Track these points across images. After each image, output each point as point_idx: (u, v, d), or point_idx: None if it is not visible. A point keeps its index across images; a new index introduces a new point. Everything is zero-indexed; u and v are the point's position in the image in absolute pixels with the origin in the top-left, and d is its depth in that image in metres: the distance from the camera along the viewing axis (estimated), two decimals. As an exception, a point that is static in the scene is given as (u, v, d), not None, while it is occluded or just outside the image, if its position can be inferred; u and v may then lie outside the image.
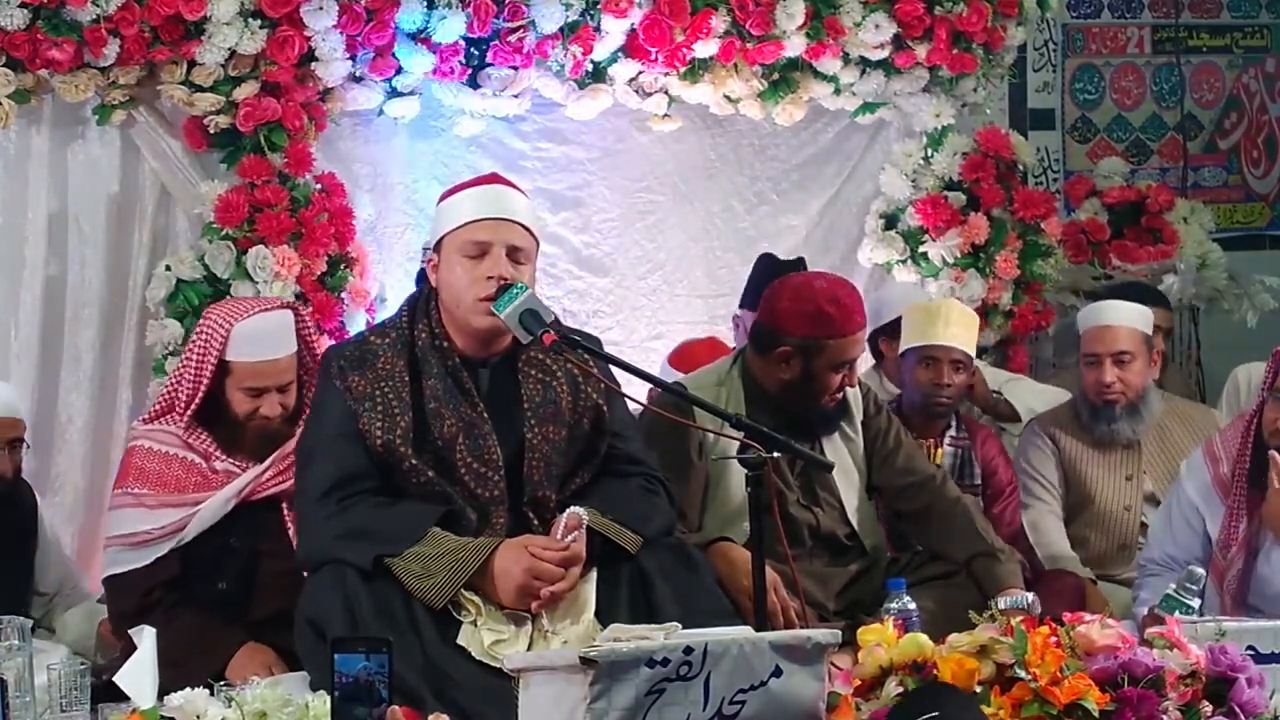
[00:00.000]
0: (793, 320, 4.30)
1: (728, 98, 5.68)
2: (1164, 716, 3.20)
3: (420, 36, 5.14)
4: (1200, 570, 3.91)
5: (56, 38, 4.74)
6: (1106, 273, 6.29)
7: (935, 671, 3.19)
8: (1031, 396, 5.57)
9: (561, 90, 5.43)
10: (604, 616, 3.59)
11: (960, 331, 5.08)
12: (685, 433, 4.19)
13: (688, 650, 3.04)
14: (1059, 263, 6.12)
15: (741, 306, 5.45)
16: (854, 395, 4.49)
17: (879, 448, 4.51)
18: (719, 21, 5.46)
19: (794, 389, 4.34)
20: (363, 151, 5.41)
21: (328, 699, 3.03)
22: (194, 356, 4.16)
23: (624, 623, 3.32)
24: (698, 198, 5.85)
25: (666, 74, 5.52)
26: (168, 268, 5.02)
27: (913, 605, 3.76)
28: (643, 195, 5.79)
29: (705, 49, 5.48)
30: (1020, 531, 5.06)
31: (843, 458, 4.45)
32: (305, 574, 3.75)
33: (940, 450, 5.08)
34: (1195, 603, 3.82)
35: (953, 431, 5.12)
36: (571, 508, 3.69)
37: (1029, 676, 3.17)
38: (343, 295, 5.16)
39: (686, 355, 5.24)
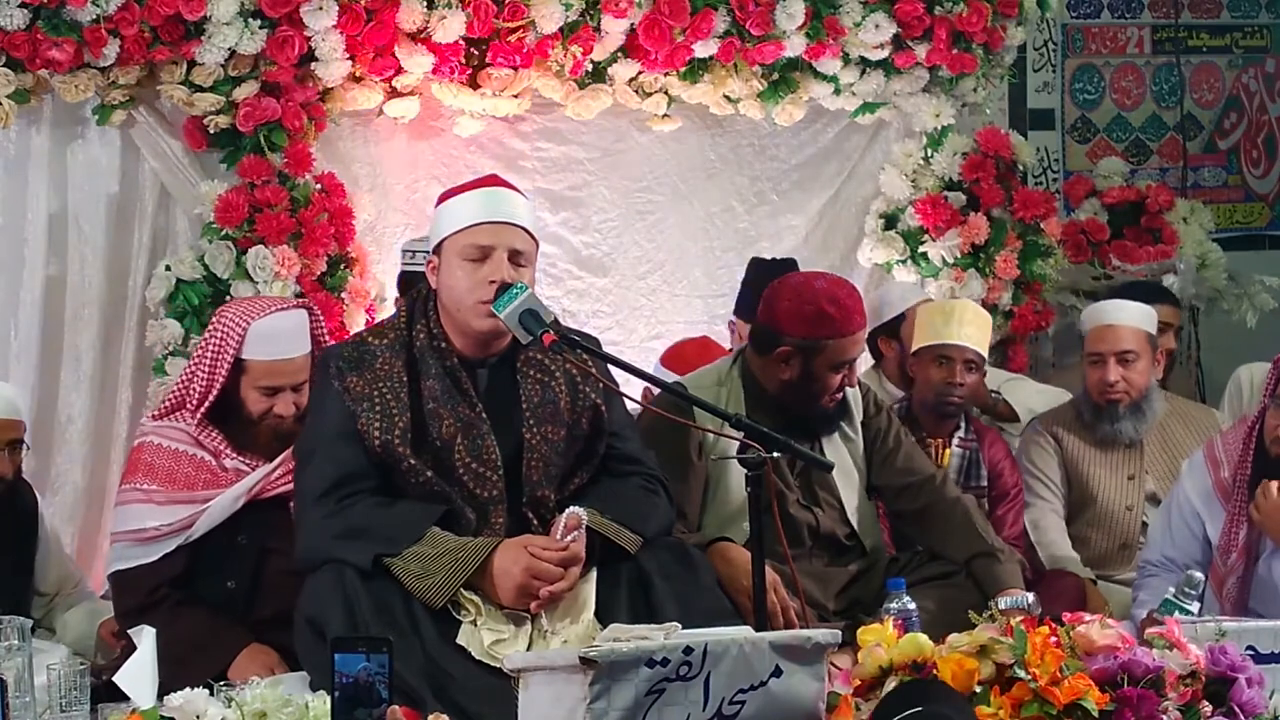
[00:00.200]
0: (793, 320, 4.30)
1: (728, 98, 5.68)
2: (1164, 716, 3.20)
3: (420, 37, 5.14)
4: (1199, 575, 3.90)
5: (56, 38, 4.75)
6: (1106, 273, 6.29)
7: (935, 671, 3.20)
8: (1031, 396, 5.58)
9: (561, 90, 5.43)
10: (603, 616, 3.59)
11: (974, 331, 5.08)
12: (685, 433, 4.18)
13: (688, 650, 3.04)
14: (1059, 263, 6.12)
15: (736, 313, 5.46)
16: (854, 395, 4.49)
17: (879, 448, 4.51)
18: (719, 21, 5.46)
19: (794, 389, 4.34)
20: (363, 151, 5.42)
21: (327, 699, 3.04)
22: (208, 354, 4.16)
23: (623, 623, 3.32)
24: (697, 198, 5.86)
25: (666, 74, 5.53)
26: (168, 268, 5.02)
27: (913, 605, 3.75)
28: (642, 195, 5.79)
29: (705, 49, 5.48)
30: (1022, 534, 5.06)
31: (843, 458, 4.44)
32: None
33: (948, 451, 5.08)
34: (1194, 607, 3.81)
35: (961, 433, 5.12)
36: (571, 508, 3.69)
37: (1029, 676, 3.17)
38: (343, 295, 5.16)
39: (677, 355, 5.25)
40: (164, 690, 3.22)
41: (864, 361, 5.07)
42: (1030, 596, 3.93)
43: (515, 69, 5.28)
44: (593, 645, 3.08)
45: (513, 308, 3.64)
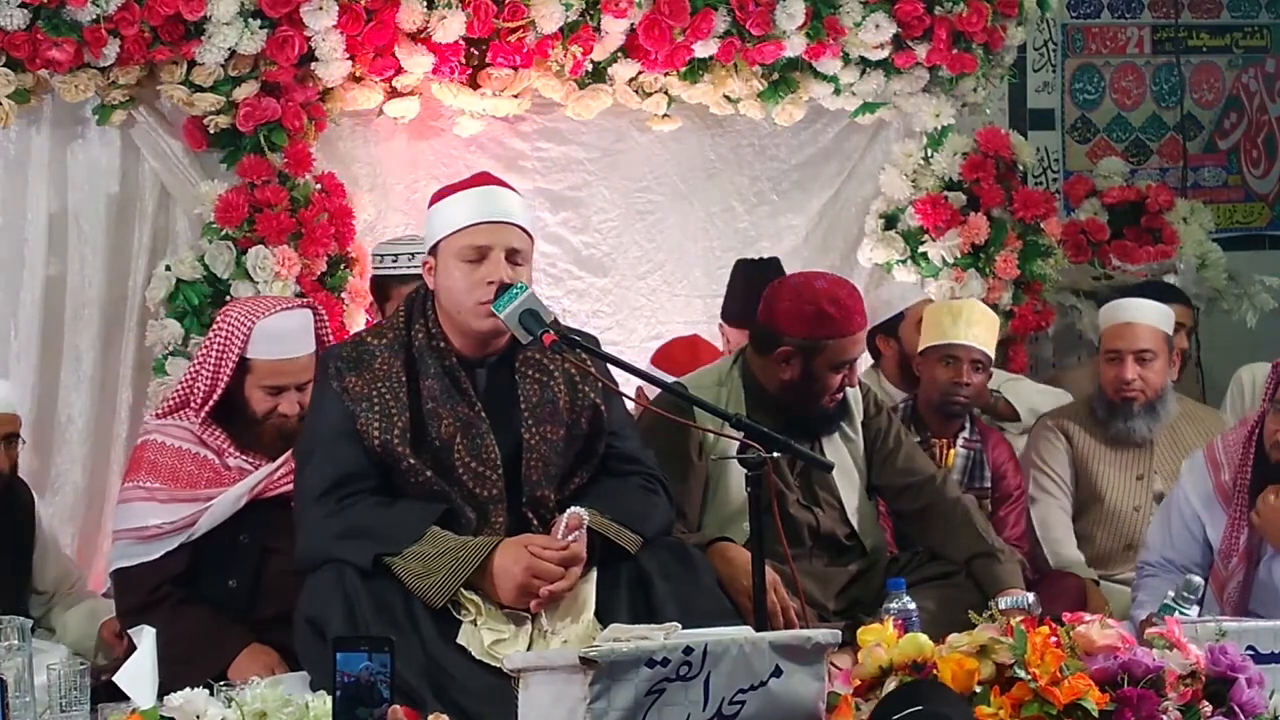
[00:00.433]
0: (793, 320, 4.30)
1: (728, 98, 5.68)
2: (1164, 716, 3.20)
3: (420, 37, 5.14)
4: (1198, 579, 3.90)
5: (56, 38, 4.74)
6: (1106, 273, 6.29)
7: (935, 671, 3.20)
8: (1033, 396, 5.58)
9: (561, 90, 5.43)
10: (604, 616, 3.59)
11: (981, 331, 5.08)
12: (685, 432, 4.19)
13: (688, 650, 3.05)
14: (1059, 263, 6.12)
15: (722, 317, 5.46)
16: (854, 395, 4.49)
17: (879, 448, 4.51)
18: (719, 21, 5.46)
19: (794, 389, 4.34)
20: (363, 151, 5.42)
21: (328, 699, 3.04)
22: (213, 353, 4.16)
23: (624, 623, 3.32)
24: (697, 198, 5.85)
25: (666, 74, 5.52)
26: (168, 268, 5.02)
27: (913, 605, 3.76)
28: (642, 195, 5.79)
29: (705, 49, 5.48)
30: (1024, 536, 5.06)
31: (843, 458, 4.45)
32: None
33: (953, 451, 5.08)
34: (1193, 611, 3.80)
35: (966, 433, 5.12)
36: (572, 508, 3.69)
37: (1029, 676, 3.17)
38: (343, 295, 5.16)
39: (665, 355, 5.26)
40: (164, 690, 3.22)
41: (864, 361, 5.07)
42: (1030, 596, 3.93)
43: (515, 69, 5.28)
44: (593, 645, 3.08)
45: (513, 308, 3.64)
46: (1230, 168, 7.49)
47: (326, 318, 4.37)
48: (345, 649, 2.90)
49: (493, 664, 3.50)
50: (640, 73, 5.49)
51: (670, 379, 4.39)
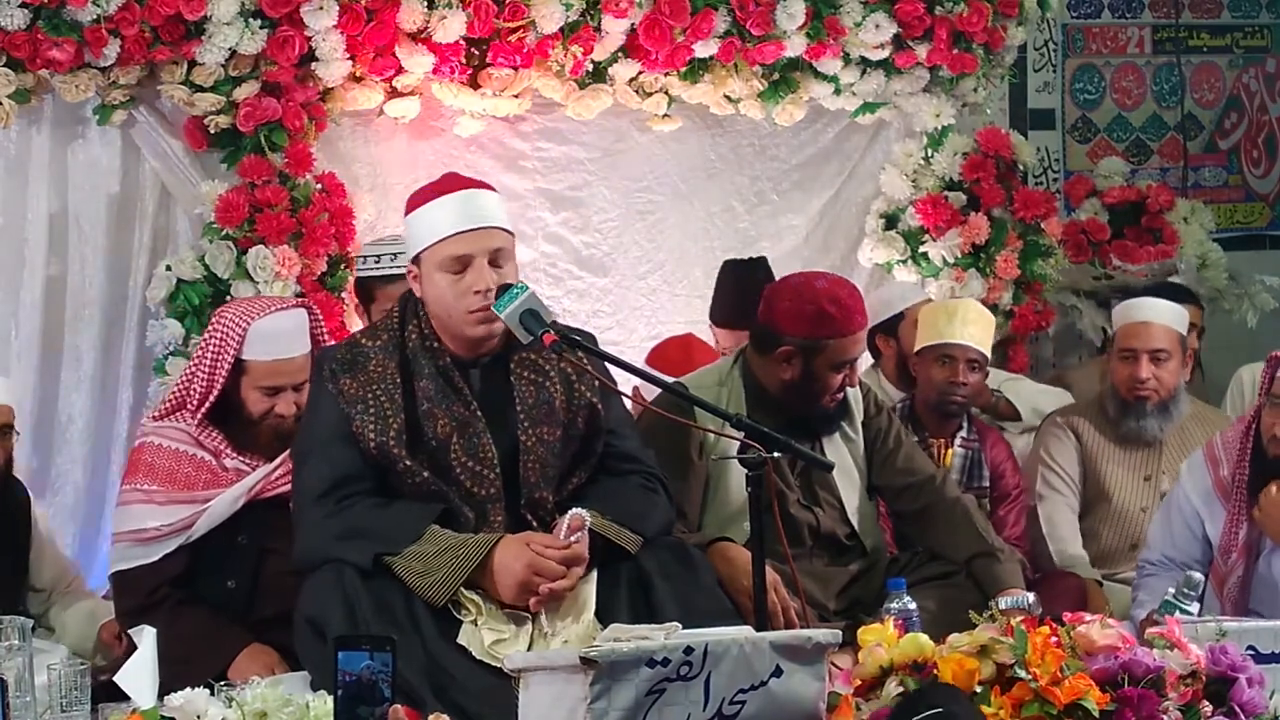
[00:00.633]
0: (793, 320, 4.30)
1: (728, 98, 5.68)
2: (1164, 716, 3.20)
3: (420, 36, 5.14)
4: (1198, 575, 3.90)
5: (57, 38, 4.74)
6: (1107, 273, 6.29)
7: (935, 671, 3.19)
8: (1035, 396, 5.58)
9: (562, 90, 5.43)
10: (604, 616, 3.59)
11: (977, 331, 5.09)
12: (686, 432, 4.18)
13: (688, 650, 3.04)
14: (1059, 263, 6.12)
15: (710, 318, 5.45)
16: (854, 395, 4.49)
17: (879, 448, 4.51)
18: (719, 21, 5.46)
19: (795, 389, 4.34)
20: (363, 151, 5.42)
21: (328, 699, 3.04)
22: (209, 355, 4.16)
23: (624, 623, 3.32)
24: (698, 198, 5.85)
25: (666, 74, 5.52)
26: (168, 268, 5.02)
27: (913, 605, 3.75)
28: (643, 195, 5.79)
29: (705, 49, 5.48)
30: (1023, 535, 5.06)
31: (843, 458, 4.44)
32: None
33: (951, 451, 5.08)
34: (1194, 608, 3.81)
35: (964, 433, 5.12)
36: (574, 509, 3.68)
37: (1029, 676, 3.16)
38: (343, 295, 5.16)
39: (660, 355, 5.26)
40: (164, 690, 3.22)
41: (864, 361, 5.07)
42: (1031, 596, 3.92)
43: (515, 69, 5.28)
44: (593, 645, 3.08)
45: (513, 308, 3.63)
46: (1231, 168, 7.49)
47: (321, 317, 4.36)
48: (346, 648, 2.89)
49: (493, 664, 3.50)
50: (640, 73, 5.49)
51: (668, 378, 4.39)
